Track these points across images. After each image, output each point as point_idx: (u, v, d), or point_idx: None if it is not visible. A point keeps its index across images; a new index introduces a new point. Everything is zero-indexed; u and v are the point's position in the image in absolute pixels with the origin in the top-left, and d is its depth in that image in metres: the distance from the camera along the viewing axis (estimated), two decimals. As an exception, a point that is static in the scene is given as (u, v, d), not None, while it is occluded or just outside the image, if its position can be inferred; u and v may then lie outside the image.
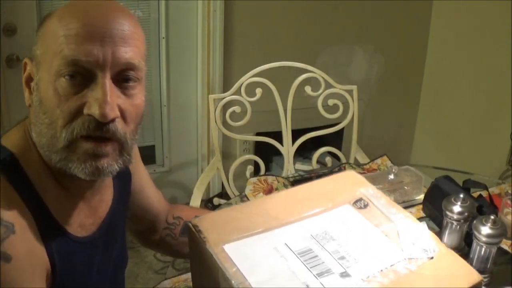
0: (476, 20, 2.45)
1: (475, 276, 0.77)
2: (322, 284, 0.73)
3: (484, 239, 1.08)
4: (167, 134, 2.48)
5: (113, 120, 0.70)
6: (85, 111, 0.69)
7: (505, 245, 1.24)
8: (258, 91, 1.85)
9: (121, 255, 0.94)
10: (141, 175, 1.02)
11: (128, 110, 0.73)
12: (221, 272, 0.72)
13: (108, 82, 0.69)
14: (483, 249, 1.10)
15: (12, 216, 0.68)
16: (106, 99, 0.68)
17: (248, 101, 1.84)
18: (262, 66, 1.87)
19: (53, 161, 0.72)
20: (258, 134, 2.36)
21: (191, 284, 0.88)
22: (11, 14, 1.95)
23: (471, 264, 1.13)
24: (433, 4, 2.65)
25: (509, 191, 1.34)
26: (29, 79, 0.75)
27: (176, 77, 2.39)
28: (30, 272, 0.69)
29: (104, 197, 0.86)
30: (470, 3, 2.44)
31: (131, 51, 0.71)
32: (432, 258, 0.80)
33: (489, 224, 1.09)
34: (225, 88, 2.22)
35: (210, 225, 0.80)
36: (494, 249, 1.11)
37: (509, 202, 1.27)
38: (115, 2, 0.75)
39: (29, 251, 0.69)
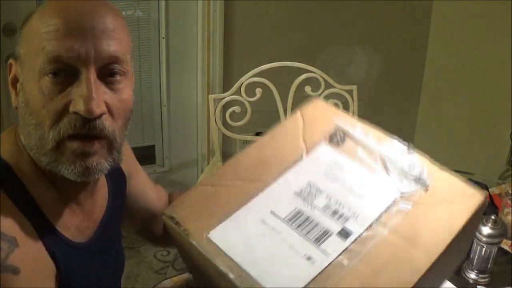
0: (476, 20, 2.45)
1: (479, 196, 0.71)
2: (325, 252, 0.67)
3: (484, 239, 1.09)
4: (167, 134, 2.48)
5: (100, 117, 0.68)
6: (71, 108, 0.67)
7: (505, 245, 1.24)
8: (258, 91, 1.85)
9: (118, 260, 0.94)
10: (138, 177, 1.00)
11: (115, 105, 0.71)
12: (214, 266, 0.67)
13: (92, 77, 0.67)
14: (484, 249, 1.10)
15: (13, 229, 0.66)
16: (91, 94, 0.66)
17: (248, 101, 1.84)
18: (262, 66, 1.87)
19: (43, 164, 0.71)
20: (258, 134, 2.36)
21: (191, 284, 0.88)
22: (11, 14, 1.95)
23: (471, 264, 1.13)
24: (433, 4, 2.65)
25: (509, 191, 1.34)
26: (15, 80, 0.73)
27: (176, 77, 2.39)
28: (40, 279, 0.68)
29: (98, 200, 0.84)
30: (470, 3, 2.44)
31: (114, 44, 0.69)
32: (427, 188, 0.73)
33: (489, 224, 1.09)
34: (225, 88, 2.22)
35: (186, 211, 0.74)
36: (494, 249, 1.11)
37: (509, 202, 1.27)
38: None
39: (35, 259, 0.68)
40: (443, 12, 2.62)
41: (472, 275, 1.13)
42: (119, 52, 0.70)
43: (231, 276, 0.65)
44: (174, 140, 2.50)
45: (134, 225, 1.05)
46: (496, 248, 1.11)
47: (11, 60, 0.74)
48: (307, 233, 0.69)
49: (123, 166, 0.92)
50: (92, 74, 0.67)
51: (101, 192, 0.85)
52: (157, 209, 1.02)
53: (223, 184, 0.77)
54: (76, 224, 0.78)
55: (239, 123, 1.86)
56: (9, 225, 0.66)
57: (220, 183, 0.77)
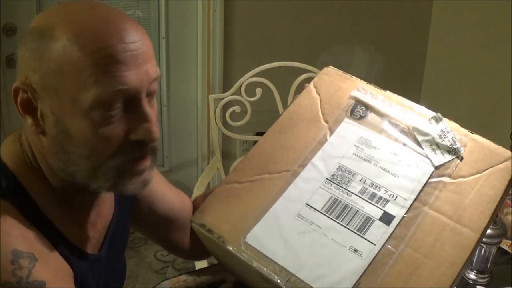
0: (476, 20, 2.45)
1: (508, 154, 0.70)
2: (371, 241, 0.64)
3: (484, 239, 1.08)
4: (167, 134, 2.48)
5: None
6: (133, 137, 0.67)
7: (504, 245, 1.24)
8: (258, 91, 1.85)
9: (122, 271, 0.94)
10: (154, 180, 0.98)
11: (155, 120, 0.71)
12: (258, 272, 0.64)
13: (146, 102, 0.67)
14: (483, 249, 1.10)
15: (29, 246, 0.66)
16: (153, 121, 0.67)
17: (248, 101, 1.84)
18: (262, 66, 1.87)
19: (93, 187, 0.70)
20: (258, 134, 2.36)
21: (191, 284, 0.87)
22: (11, 14, 1.95)
23: (471, 264, 1.13)
24: (433, 4, 2.65)
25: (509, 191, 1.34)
26: (28, 105, 0.68)
27: (176, 77, 2.39)
28: (66, 285, 0.69)
29: (103, 211, 0.83)
30: (470, 3, 2.44)
31: (155, 65, 0.68)
32: (462, 157, 0.70)
33: (489, 224, 1.09)
34: (225, 88, 2.22)
35: (216, 216, 0.70)
36: (494, 249, 1.11)
37: (509, 202, 1.27)
38: (117, 10, 0.68)
39: (56, 270, 0.69)
40: (443, 12, 2.62)
41: (472, 275, 1.13)
42: (157, 71, 0.69)
43: (279, 280, 0.62)
44: (174, 140, 2.50)
45: (154, 234, 1.00)
46: (496, 248, 1.11)
47: (17, 86, 0.67)
48: (348, 223, 0.66)
49: None
50: (144, 100, 0.67)
51: (106, 203, 0.85)
52: (177, 214, 0.97)
53: (250, 179, 0.72)
54: (85, 234, 0.78)
55: (239, 123, 1.86)
56: (24, 241, 0.66)
57: (246, 179, 0.73)
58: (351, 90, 0.78)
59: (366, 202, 0.68)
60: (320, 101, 0.78)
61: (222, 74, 2.35)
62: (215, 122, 1.85)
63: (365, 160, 0.71)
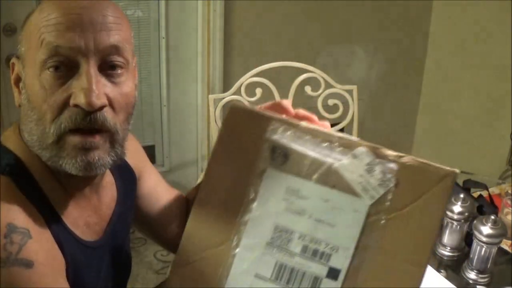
0: (476, 20, 2.45)
1: (448, 172, 0.65)
2: None
3: (484, 239, 1.09)
4: (167, 134, 2.48)
5: (100, 109, 0.67)
6: (71, 102, 0.67)
7: (505, 245, 1.24)
8: (258, 91, 1.85)
9: (125, 262, 0.92)
10: (150, 177, 0.98)
11: (117, 99, 0.70)
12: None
13: (92, 69, 0.67)
14: (483, 249, 1.11)
15: (26, 222, 0.66)
16: (92, 86, 0.66)
17: (248, 101, 1.84)
18: (262, 66, 1.86)
19: (44, 159, 0.70)
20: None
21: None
22: (11, 14, 1.95)
23: (471, 264, 1.13)
24: (433, 4, 2.65)
25: (509, 191, 1.34)
26: (18, 79, 0.74)
27: (176, 77, 2.39)
28: (53, 275, 0.68)
29: (105, 197, 0.83)
30: (470, 3, 2.44)
31: (114, 35, 0.69)
32: (395, 186, 0.66)
33: (489, 224, 1.09)
34: (225, 88, 2.22)
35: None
36: (494, 249, 1.11)
37: (509, 202, 1.27)
38: None
39: (48, 254, 0.68)
40: (443, 12, 2.62)
41: (472, 275, 1.13)
42: (119, 41, 0.70)
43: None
44: (174, 140, 2.50)
45: (147, 229, 1.00)
46: (496, 248, 1.11)
47: (13, 59, 0.74)
48: (298, 287, 0.65)
49: (134, 166, 0.92)
50: (92, 67, 0.67)
51: (108, 189, 0.84)
52: (170, 212, 0.98)
53: (197, 259, 0.70)
54: (84, 220, 0.78)
55: (239, 123, 1.86)
56: (21, 217, 0.66)
57: (194, 259, 0.70)
58: (264, 131, 0.71)
59: (310, 261, 0.66)
60: (236, 153, 0.73)
61: (222, 74, 2.35)
62: (215, 122, 1.85)
63: (298, 214, 0.68)
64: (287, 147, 0.69)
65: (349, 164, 0.67)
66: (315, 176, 0.68)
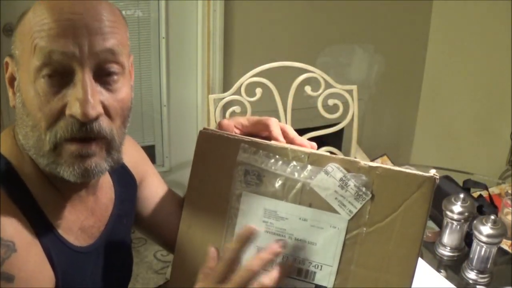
0: (476, 20, 2.45)
1: (426, 177, 0.64)
2: None
3: (484, 239, 1.09)
4: (167, 134, 2.48)
5: (96, 119, 0.66)
6: (67, 112, 0.65)
7: (505, 245, 1.24)
8: (258, 91, 1.84)
9: (125, 265, 0.92)
10: (152, 180, 0.97)
11: (112, 106, 0.69)
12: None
13: (88, 78, 0.65)
14: (483, 249, 1.11)
15: (12, 233, 0.65)
16: (87, 97, 0.64)
17: (248, 101, 1.84)
18: (262, 66, 1.86)
19: (42, 165, 0.70)
20: (258, 134, 2.36)
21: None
22: (11, 14, 1.95)
23: (471, 264, 1.13)
24: (433, 4, 2.65)
25: (509, 191, 1.34)
26: (12, 79, 0.72)
27: (176, 77, 2.39)
28: None
29: (102, 199, 0.83)
30: (470, 3, 2.44)
31: (110, 38, 0.67)
32: (372, 198, 0.65)
33: (489, 224, 1.09)
34: (225, 88, 2.22)
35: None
36: (494, 249, 1.11)
37: (509, 202, 1.27)
38: None
39: (34, 268, 0.67)
40: (443, 12, 2.62)
41: (472, 275, 1.13)
42: (115, 45, 0.68)
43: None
44: (174, 140, 2.50)
45: (148, 231, 1.00)
46: (496, 248, 1.11)
47: (7, 59, 0.73)
48: None
49: (135, 170, 0.91)
50: (88, 75, 0.66)
51: (106, 190, 0.84)
52: (170, 215, 0.97)
53: None
54: (80, 223, 0.77)
55: (239, 123, 1.86)
56: (8, 228, 0.65)
57: None
58: (235, 154, 0.71)
59: (297, 280, 0.66)
60: (212, 181, 0.73)
61: (222, 74, 2.35)
62: (215, 122, 1.84)
63: (278, 235, 0.68)
64: (259, 168, 0.69)
65: (322, 181, 0.66)
66: (290, 196, 0.68)
